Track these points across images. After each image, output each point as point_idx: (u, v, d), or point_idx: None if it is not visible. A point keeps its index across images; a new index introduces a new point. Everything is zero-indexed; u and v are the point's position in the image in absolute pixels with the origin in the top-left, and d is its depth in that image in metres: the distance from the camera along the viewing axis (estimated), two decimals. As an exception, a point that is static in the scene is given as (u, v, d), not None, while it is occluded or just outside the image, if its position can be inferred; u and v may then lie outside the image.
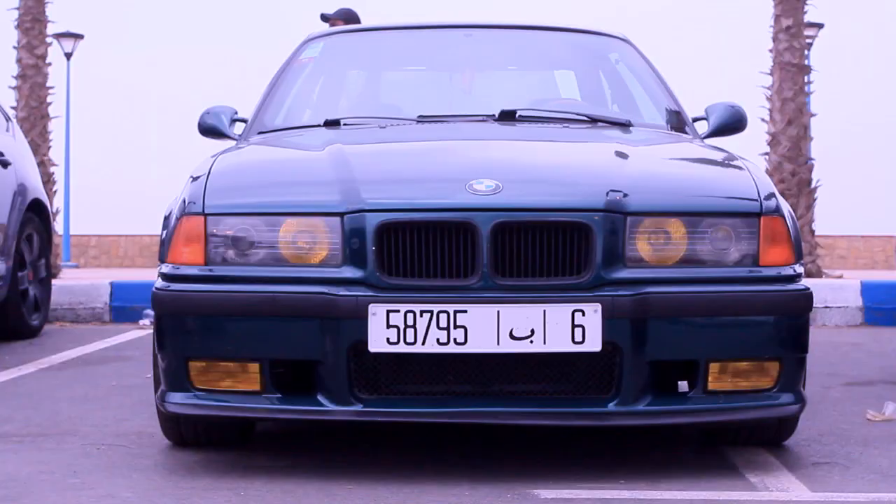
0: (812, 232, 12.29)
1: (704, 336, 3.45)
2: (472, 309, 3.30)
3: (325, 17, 8.59)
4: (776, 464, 3.69)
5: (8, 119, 7.82)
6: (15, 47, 13.56)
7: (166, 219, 3.68)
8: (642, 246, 3.44)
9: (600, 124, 4.50)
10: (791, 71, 12.31)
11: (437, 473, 3.52)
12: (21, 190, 7.35)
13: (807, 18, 12.56)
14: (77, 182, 44.07)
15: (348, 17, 8.55)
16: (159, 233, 3.71)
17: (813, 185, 12.27)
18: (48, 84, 13.64)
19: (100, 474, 3.53)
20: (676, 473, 3.56)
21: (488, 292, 3.33)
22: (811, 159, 12.43)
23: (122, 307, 8.89)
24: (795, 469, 3.63)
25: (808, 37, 13.64)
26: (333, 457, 3.79)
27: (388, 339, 3.30)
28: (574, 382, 3.41)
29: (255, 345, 3.42)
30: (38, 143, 13.16)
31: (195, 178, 3.66)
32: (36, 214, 7.65)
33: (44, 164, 13.14)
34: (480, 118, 4.45)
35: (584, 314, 3.31)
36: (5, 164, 7.22)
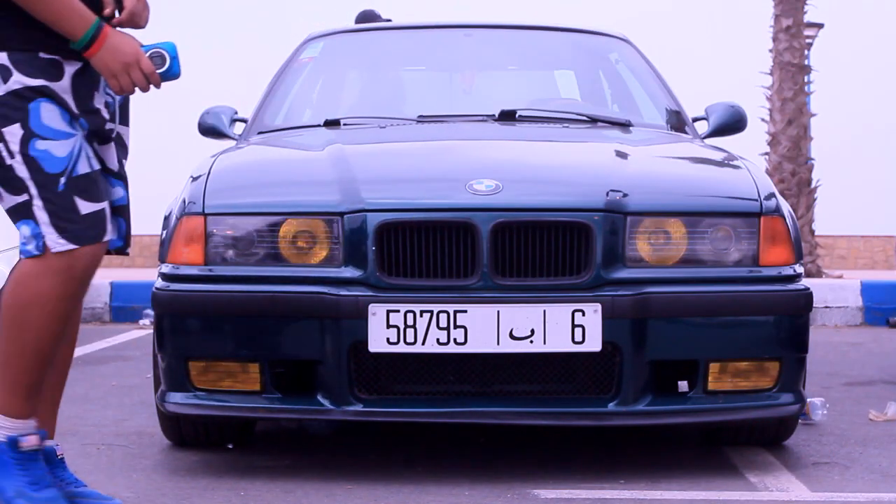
0: (812, 232, 12.30)
1: (704, 336, 3.44)
2: (472, 309, 3.30)
3: (370, 16, 8.43)
4: (776, 464, 3.69)
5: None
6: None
7: (166, 219, 3.68)
8: (642, 246, 3.44)
9: (600, 124, 4.50)
10: (791, 71, 12.32)
11: (436, 473, 3.52)
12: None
13: (807, 18, 12.58)
14: (77, 182, 44.05)
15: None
16: (159, 233, 3.71)
17: (813, 185, 12.28)
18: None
19: (100, 474, 3.52)
20: (676, 473, 3.56)
21: (488, 292, 3.33)
22: (811, 159, 12.45)
23: (122, 307, 8.90)
24: (795, 469, 3.63)
25: (808, 37, 13.64)
26: (333, 457, 3.79)
27: (388, 339, 3.30)
28: (574, 382, 3.40)
29: (254, 345, 3.42)
30: (38, 143, 13.16)
31: (195, 178, 3.66)
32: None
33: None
34: (480, 118, 4.45)
35: (584, 314, 3.31)
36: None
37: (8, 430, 2.79)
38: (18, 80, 2.72)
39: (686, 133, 4.63)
